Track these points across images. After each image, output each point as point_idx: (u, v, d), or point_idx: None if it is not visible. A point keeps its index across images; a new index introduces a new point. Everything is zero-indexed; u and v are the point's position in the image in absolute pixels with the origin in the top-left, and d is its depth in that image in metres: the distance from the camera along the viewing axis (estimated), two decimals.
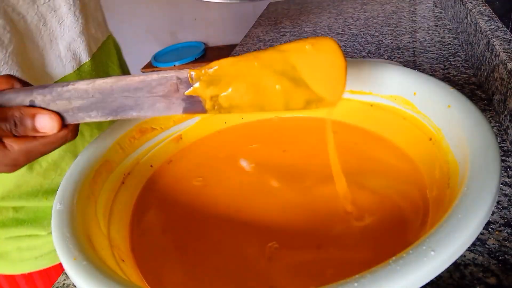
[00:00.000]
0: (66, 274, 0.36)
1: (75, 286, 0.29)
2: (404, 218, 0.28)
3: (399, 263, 0.17)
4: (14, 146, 0.25)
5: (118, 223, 0.30)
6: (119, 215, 0.31)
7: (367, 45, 0.72)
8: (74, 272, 0.21)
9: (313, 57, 0.23)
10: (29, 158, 0.26)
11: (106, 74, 0.47)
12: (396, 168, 0.32)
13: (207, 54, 2.00)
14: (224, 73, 0.25)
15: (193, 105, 0.26)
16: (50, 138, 0.26)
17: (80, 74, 0.42)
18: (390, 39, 0.72)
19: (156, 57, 1.91)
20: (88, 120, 0.27)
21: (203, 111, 0.26)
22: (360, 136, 0.36)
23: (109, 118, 0.27)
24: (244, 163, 0.37)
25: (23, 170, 0.38)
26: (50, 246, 0.45)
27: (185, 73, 0.25)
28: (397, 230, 0.27)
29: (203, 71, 0.25)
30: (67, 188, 0.27)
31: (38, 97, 0.26)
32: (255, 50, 0.83)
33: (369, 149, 0.35)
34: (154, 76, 0.26)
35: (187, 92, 0.25)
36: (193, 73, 0.25)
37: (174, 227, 0.31)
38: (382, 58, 0.66)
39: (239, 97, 0.25)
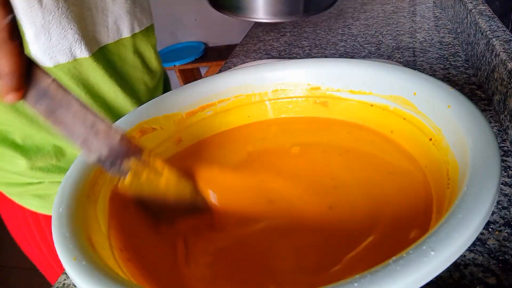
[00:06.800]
0: (66, 274, 0.36)
1: (75, 286, 0.29)
2: (404, 217, 0.28)
3: (399, 263, 0.17)
4: None
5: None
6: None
7: (367, 45, 0.72)
8: (74, 272, 0.21)
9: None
10: None
11: (142, 55, 0.54)
12: (396, 168, 0.32)
13: (207, 54, 2.00)
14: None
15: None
16: None
17: (118, 45, 0.49)
18: (390, 39, 0.72)
19: None
20: None
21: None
22: (360, 136, 0.36)
23: None
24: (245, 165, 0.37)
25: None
26: None
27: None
28: (397, 229, 0.27)
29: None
30: (67, 188, 0.27)
31: None
32: (254, 50, 0.82)
33: (370, 149, 0.35)
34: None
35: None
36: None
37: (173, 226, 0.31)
38: (382, 58, 0.66)
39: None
